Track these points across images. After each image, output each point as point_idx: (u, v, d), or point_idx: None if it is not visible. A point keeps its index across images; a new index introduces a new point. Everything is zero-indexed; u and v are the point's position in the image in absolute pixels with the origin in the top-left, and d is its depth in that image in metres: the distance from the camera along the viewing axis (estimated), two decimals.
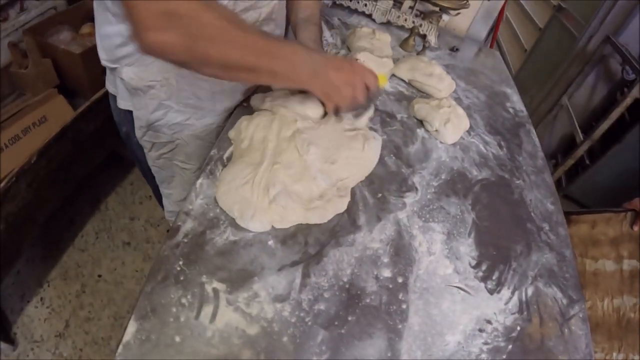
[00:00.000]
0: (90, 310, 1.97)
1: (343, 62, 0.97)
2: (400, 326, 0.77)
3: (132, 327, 0.64)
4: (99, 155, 2.22)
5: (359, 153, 1.01)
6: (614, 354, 1.36)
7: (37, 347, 1.82)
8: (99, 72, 2.15)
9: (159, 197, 1.50)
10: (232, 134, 1.00)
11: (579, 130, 3.05)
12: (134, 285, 2.09)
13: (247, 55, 0.77)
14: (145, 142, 1.20)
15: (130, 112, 1.14)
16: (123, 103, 1.14)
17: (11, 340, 1.80)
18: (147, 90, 1.05)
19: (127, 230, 2.33)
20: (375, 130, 1.19)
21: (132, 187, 2.58)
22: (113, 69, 1.07)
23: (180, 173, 1.30)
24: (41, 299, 1.97)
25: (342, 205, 0.92)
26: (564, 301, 0.94)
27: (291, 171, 0.89)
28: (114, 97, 1.17)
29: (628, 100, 2.68)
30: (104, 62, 1.07)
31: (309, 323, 0.72)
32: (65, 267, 2.11)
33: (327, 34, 1.61)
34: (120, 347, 0.62)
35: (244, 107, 1.17)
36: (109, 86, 1.18)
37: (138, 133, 1.17)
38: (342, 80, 0.93)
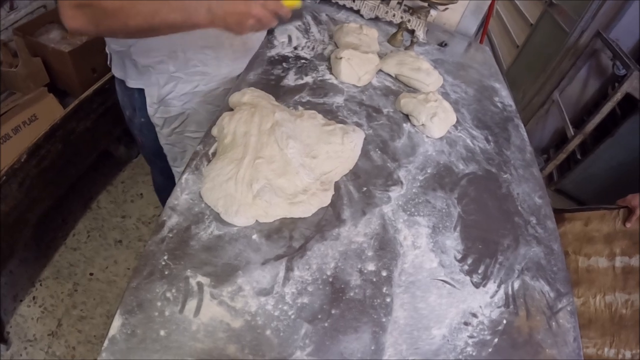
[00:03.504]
0: (83, 309, 1.97)
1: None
2: (384, 320, 0.78)
3: (117, 322, 0.65)
4: (90, 154, 2.21)
5: (338, 147, 1.02)
6: (606, 350, 1.37)
7: (31, 346, 1.82)
8: (89, 71, 2.16)
9: (160, 187, 1.53)
10: (215, 130, 1.00)
11: (569, 125, 3.06)
12: (127, 283, 2.08)
13: (142, 21, 0.89)
14: (157, 119, 1.33)
15: (136, 92, 1.28)
16: (133, 82, 1.27)
17: (4, 340, 1.80)
18: (157, 66, 1.20)
19: (119, 229, 2.33)
20: (361, 125, 1.20)
21: (124, 185, 2.57)
22: (121, 53, 1.21)
23: (192, 144, 1.41)
24: (34, 298, 1.97)
25: (326, 199, 0.92)
26: (552, 294, 0.94)
27: (274, 165, 0.89)
28: (121, 81, 1.30)
29: (619, 95, 2.70)
30: (112, 47, 1.22)
31: (293, 317, 0.72)
32: (58, 266, 2.11)
33: (314, 29, 1.62)
34: (106, 341, 0.62)
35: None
36: (116, 71, 1.30)
37: (150, 111, 1.30)
38: (240, 14, 0.93)
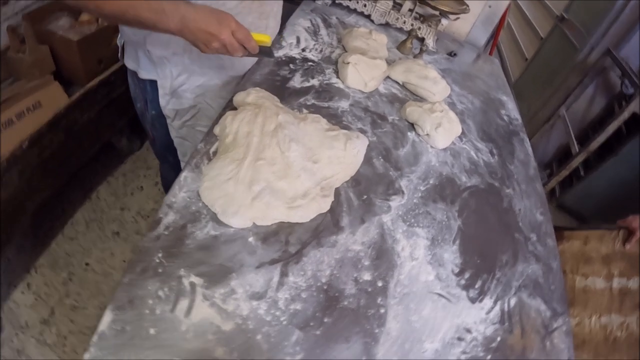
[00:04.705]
0: (77, 299, 1.96)
1: (211, 19, 0.98)
2: (377, 331, 0.77)
3: (108, 317, 0.64)
4: (93, 145, 2.20)
5: (341, 152, 1.01)
6: None
7: (22, 332, 1.81)
8: (95, 61, 2.15)
9: (169, 183, 1.54)
10: (217, 129, 0.99)
11: (574, 142, 3.05)
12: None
13: (117, 11, 0.93)
14: (169, 111, 1.33)
15: (148, 84, 1.28)
16: (145, 74, 1.27)
17: None
18: (172, 57, 1.22)
19: (117, 221, 2.32)
20: (365, 131, 1.19)
21: (124, 178, 2.56)
22: (135, 43, 1.22)
23: None
24: (28, 285, 1.96)
25: (325, 205, 0.91)
26: (548, 313, 0.94)
27: (275, 168, 0.89)
28: (133, 73, 1.30)
29: (626, 114, 2.69)
30: (127, 36, 1.23)
31: (284, 322, 0.72)
32: (54, 255, 2.10)
33: (323, 32, 1.61)
34: (95, 336, 0.61)
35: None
36: (128, 62, 1.30)
37: (162, 102, 1.30)
38: (209, 34, 0.97)
